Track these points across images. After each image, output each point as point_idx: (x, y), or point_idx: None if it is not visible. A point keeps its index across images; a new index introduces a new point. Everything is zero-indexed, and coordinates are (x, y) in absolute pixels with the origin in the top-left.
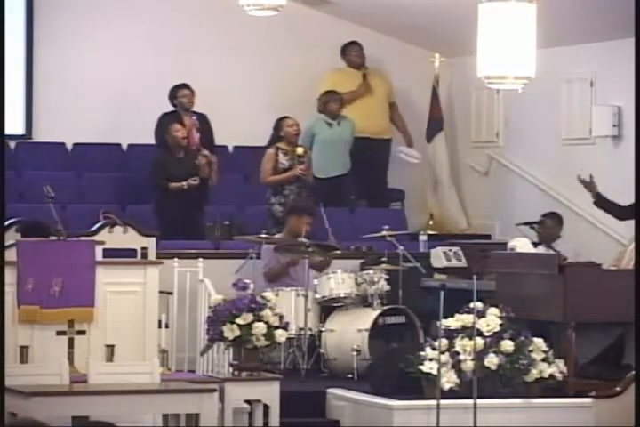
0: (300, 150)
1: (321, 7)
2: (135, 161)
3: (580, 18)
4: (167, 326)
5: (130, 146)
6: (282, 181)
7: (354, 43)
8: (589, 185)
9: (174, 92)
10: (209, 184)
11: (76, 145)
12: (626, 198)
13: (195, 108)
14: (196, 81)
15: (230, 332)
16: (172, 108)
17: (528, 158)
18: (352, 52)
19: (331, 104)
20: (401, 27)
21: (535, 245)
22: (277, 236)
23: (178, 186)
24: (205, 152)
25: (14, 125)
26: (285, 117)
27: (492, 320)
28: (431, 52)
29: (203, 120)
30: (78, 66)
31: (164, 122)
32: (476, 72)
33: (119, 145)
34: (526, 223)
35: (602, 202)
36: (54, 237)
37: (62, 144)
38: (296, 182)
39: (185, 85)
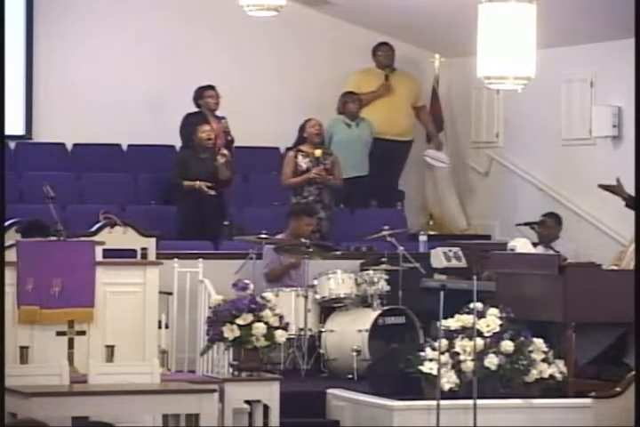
0: (317, 152)
1: (321, 7)
2: (135, 161)
3: (580, 18)
4: (167, 327)
5: (130, 146)
6: (300, 183)
7: (384, 44)
8: (618, 188)
9: (200, 93)
10: (229, 186)
11: (75, 145)
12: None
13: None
14: (196, 81)
15: (230, 332)
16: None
17: (528, 158)
18: (380, 53)
19: (350, 105)
20: (401, 27)
21: (535, 245)
22: (278, 237)
23: (190, 184)
24: (225, 151)
25: (14, 125)
26: (309, 119)
27: (491, 321)
28: (431, 53)
29: (224, 123)
30: (78, 66)
31: (190, 122)
32: (476, 72)
33: (119, 145)
34: (526, 224)
35: (633, 202)
36: (54, 238)
37: (62, 144)
38: (315, 184)
39: (211, 87)
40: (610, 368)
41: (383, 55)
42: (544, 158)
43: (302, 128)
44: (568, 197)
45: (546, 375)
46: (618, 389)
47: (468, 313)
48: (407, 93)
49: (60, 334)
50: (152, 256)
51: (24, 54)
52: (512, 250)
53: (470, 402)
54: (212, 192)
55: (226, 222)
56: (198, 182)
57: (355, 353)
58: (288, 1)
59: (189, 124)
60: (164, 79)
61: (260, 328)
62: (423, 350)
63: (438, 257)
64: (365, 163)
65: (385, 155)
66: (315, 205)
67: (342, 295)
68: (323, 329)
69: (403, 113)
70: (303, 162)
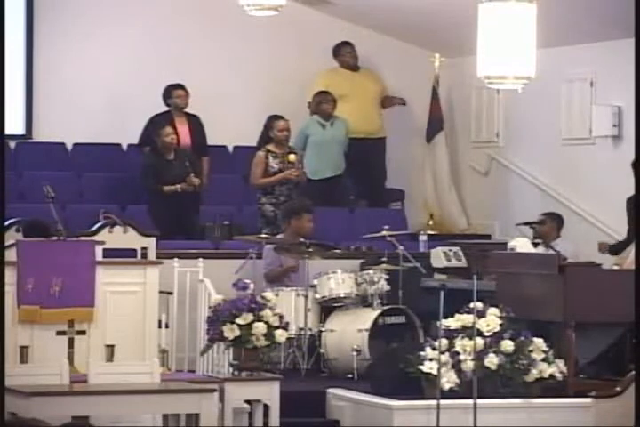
0: (292, 157)
1: (321, 7)
2: (135, 161)
3: (580, 18)
4: (167, 326)
5: (130, 146)
6: (272, 183)
7: (346, 43)
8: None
9: (168, 92)
10: (200, 187)
11: (75, 145)
12: (625, 198)
13: (196, 109)
14: (197, 81)
15: (230, 332)
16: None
17: (528, 158)
18: (345, 53)
19: (324, 105)
20: (401, 27)
21: (535, 244)
22: (279, 236)
23: (172, 189)
24: (194, 180)
25: (14, 125)
26: (277, 118)
27: (492, 320)
28: (431, 52)
29: (196, 121)
30: (78, 66)
31: (155, 123)
32: (476, 72)
33: (119, 145)
34: (526, 223)
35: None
36: (54, 237)
37: (62, 144)
38: (286, 184)
39: (179, 85)
40: (610, 368)
41: (350, 55)
42: (544, 158)
43: (269, 126)
44: (568, 197)
45: (546, 375)
46: (618, 389)
47: (468, 313)
48: (375, 90)
49: (60, 333)
50: (152, 256)
51: (24, 54)
52: (512, 250)
53: (470, 402)
54: (197, 181)
55: (226, 222)
56: (179, 186)
57: (355, 353)
58: (288, 1)
59: (153, 125)
60: (163, 79)
61: (260, 328)
62: (423, 350)
63: (438, 257)
64: (341, 162)
65: (361, 153)
66: (306, 201)
67: (342, 295)
68: (323, 329)
69: (373, 111)
70: (274, 162)
